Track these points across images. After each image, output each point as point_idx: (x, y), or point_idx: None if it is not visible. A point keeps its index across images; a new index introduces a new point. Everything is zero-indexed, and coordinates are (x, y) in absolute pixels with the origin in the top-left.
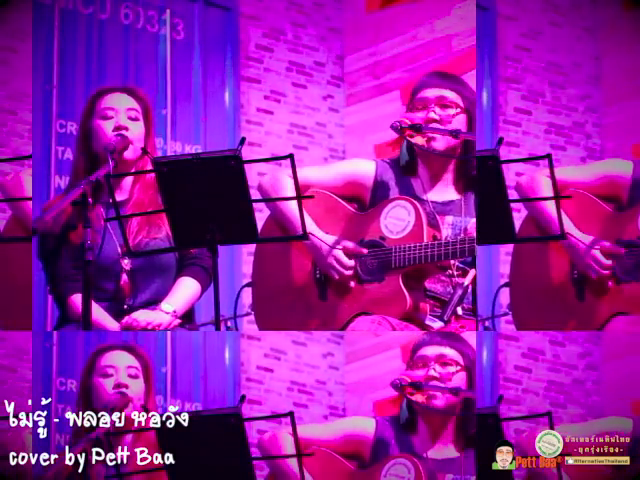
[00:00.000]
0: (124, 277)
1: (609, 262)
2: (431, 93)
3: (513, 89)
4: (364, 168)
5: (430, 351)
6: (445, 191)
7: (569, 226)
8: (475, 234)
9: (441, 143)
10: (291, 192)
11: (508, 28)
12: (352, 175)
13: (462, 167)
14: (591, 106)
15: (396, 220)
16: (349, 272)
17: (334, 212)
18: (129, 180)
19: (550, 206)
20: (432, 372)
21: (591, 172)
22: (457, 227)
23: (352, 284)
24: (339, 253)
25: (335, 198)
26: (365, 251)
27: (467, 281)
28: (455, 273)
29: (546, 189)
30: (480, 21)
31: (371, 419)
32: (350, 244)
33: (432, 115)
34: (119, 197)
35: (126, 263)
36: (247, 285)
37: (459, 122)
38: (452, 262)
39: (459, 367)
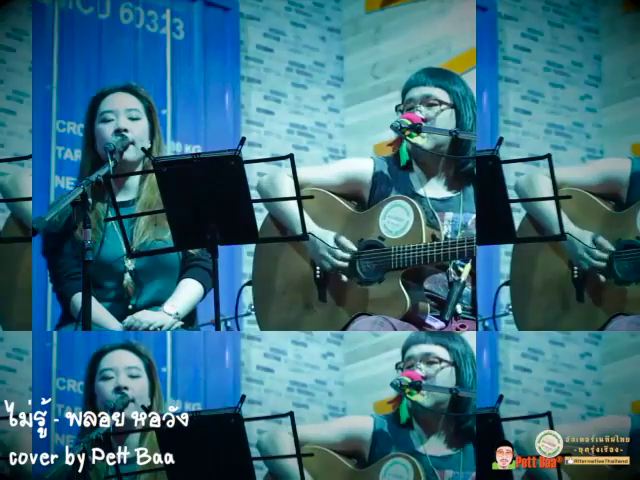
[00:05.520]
0: (127, 277)
1: (602, 254)
2: (417, 92)
3: (513, 89)
4: (362, 166)
5: (416, 350)
6: (442, 187)
7: (566, 222)
8: (474, 234)
9: (430, 142)
10: (290, 191)
11: (508, 28)
12: (351, 173)
13: (455, 163)
14: (591, 106)
15: (395, 220)
16: (341, 263)
17: (333, 211)
18: (135, 180)
19: (550, 205)
20: (418, 371)
21: (590, 171)
22: (457, 223)
23: (344, 278)
24: (333, 245)
25: (334, 197)
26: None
27: (463, 277)
28: (452, 271)
29: (544, 188)
30: (480, 21)
31: (369, 417)
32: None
33: (417, 114)
34: (126, 197)
35: (129, 263)
36: (247, 284)
37: (444, 118)
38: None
39: (444, 364)
